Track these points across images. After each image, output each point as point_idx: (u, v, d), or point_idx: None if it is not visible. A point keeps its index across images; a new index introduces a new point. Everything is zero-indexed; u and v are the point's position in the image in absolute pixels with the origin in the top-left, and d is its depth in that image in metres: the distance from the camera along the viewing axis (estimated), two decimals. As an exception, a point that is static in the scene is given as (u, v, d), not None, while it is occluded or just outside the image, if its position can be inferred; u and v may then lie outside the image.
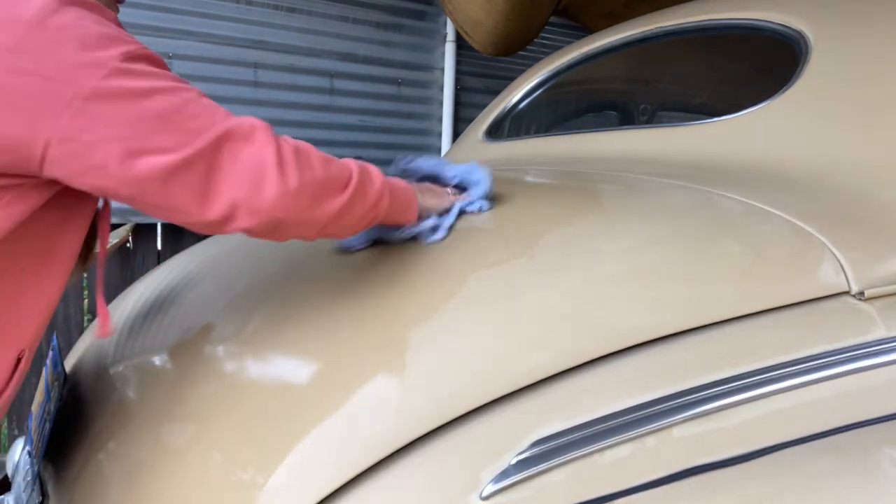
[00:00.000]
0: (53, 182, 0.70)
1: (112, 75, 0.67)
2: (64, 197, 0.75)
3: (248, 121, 0.73)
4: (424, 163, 1.06)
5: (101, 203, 0.88)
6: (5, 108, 0.64)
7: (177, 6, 2.76)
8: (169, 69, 0.76)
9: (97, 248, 0.96)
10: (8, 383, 0.78)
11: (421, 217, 0.94)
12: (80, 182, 0.69)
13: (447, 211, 0.98)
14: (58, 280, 0.80)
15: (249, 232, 0.73)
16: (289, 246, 0.99)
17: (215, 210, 0.71)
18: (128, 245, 2.68)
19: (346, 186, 0.79)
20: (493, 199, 1.03)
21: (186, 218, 0.72)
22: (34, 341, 0.81)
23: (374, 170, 0.84)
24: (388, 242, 0.96)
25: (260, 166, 0.71)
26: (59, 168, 0.67)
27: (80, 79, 0.65)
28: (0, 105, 0.64)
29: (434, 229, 0.94)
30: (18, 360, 0.79)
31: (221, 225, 0.72)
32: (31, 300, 0.78)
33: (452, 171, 1.04)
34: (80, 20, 0.69)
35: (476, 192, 1.01)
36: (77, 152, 0.66)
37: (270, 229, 0.74)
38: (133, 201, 0.71)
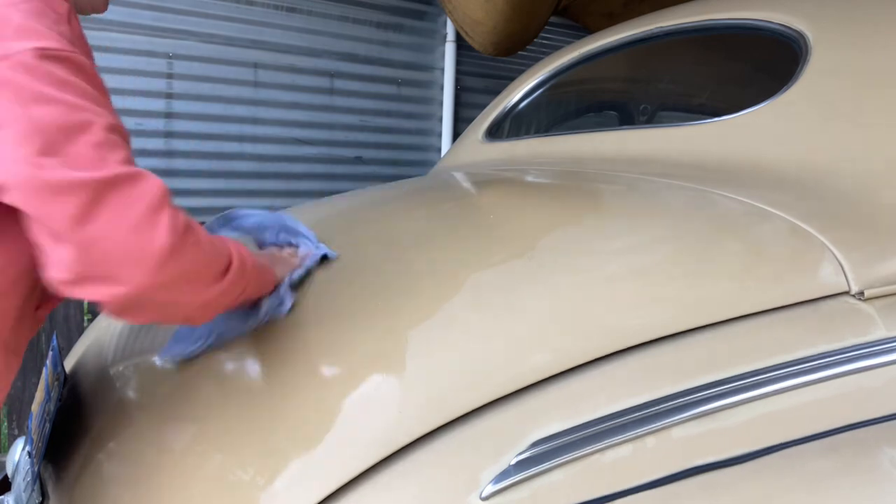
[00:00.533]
0: None
1: (12, 67, 0.61)
2: None
3: (147, 178, 0.64)
4: (247, 220, 1.00)
5: None
6: None
7: (177, 6, 2.76)
8: (97, 82, 0.68)
9: None
10: None
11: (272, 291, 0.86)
12: None
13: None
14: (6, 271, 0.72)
15: (104, 305, 0.64)
16: (289, 246, 0.99)
17: (64, 264, 0.60)
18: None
19: (224, 273, 0.71)
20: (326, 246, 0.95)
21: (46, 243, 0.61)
22: (9, 338, 0.74)
23: (246, 252, 0.77)
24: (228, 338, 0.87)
25: (147, 230, 0.61)
26: None
27: None
28: None
29: (280, 304, 0.86)
30: None
31: (72, 284, 0.61)
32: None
33: (274, 231, 0.98)
34: (9, 7, 0.65)
35: (308, 246, 0.95)
36: None
37: (129, 305, 0.64)
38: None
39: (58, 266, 0.61)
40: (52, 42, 0.64)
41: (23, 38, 0.63)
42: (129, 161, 0.65)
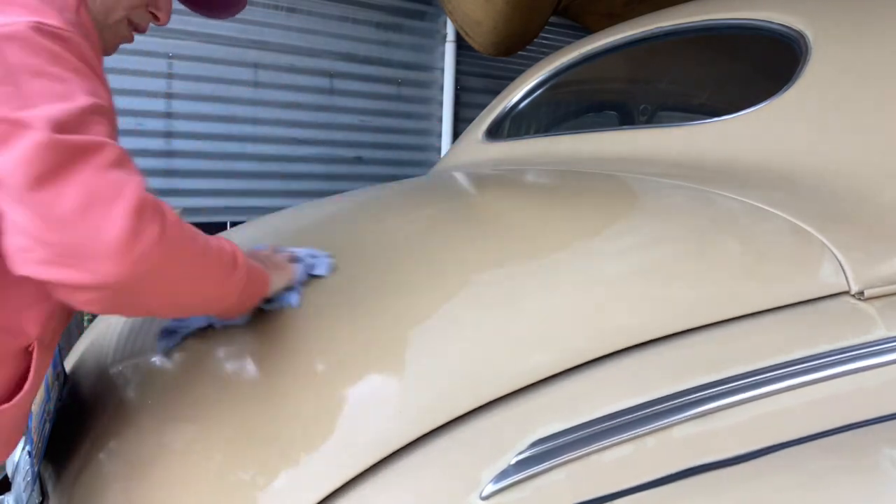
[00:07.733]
0: None
1: (7, 36, 0.62)
2: None
3: (114, 156, 0.61)
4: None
5: None
6: None
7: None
8: (95, 67, 0.69)
9: None
10: (25, 377, 0.75)
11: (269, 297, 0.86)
12: None
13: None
14: None
15: (77, 297, 0.59)
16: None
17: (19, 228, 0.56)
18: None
19: (234, 266, 0.72)
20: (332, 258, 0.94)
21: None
22: (43, 334, 0.76)
23: (239, 252, 0.76)
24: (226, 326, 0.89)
25: (108, 207, 0.57)
26: None
27: None
28: None
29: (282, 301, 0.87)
30: (29, 354, 0.75)
31: (34, 259, 0.56)
32: (25, 289, 0.71)
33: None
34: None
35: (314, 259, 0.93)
36: None
37: (104, 298, 0.59)
38: None
39: (13, 232, 0.57)
40: (52, 20, 0.65)
41: (25, 13, 0.65)
42: (109, 139, 0.62)
